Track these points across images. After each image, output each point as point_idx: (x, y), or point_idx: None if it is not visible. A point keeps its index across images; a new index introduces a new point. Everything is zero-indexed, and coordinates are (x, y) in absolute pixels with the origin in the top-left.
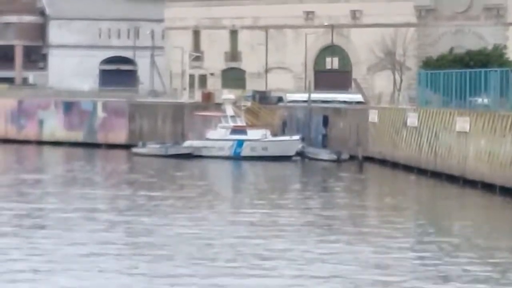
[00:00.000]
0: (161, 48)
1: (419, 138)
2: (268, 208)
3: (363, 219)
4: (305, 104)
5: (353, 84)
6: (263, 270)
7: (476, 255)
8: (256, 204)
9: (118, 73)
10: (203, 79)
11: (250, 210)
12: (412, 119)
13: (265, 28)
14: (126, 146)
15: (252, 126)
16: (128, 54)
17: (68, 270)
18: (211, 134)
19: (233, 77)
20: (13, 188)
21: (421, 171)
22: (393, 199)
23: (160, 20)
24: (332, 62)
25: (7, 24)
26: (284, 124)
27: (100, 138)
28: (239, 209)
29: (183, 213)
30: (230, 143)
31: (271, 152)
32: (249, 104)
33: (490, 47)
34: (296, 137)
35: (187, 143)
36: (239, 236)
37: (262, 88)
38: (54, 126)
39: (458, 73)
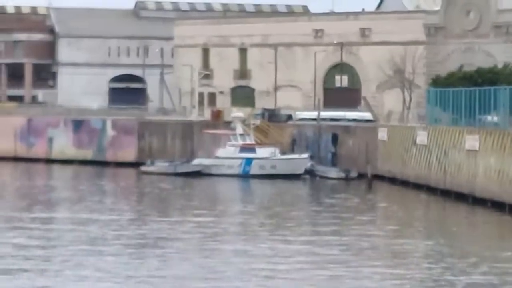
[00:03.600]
0: (170, 66)
1: (428, 156)
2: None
3: (373, 245)
4: (315, 122)
5: (362, 102)
6: None
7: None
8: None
9: (127, 91)
10: (212, 97)
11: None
12: (422, 137)
13: (274, 46)
14: (135, 164)
15: (261, 144)
16: (137, 72)
17: None
18: (220, 152)
19: (242, 95)
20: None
21: (430, 189)
22: (403, 220)
23: (170, 38)
24: (341, 80)
25: (17, 42)
26: (293, 142)
27: (109, 156)
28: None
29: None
30: (239, 161)
31: (280, 170)
32: (258, 122)
33: (499, 65)
34: (305, 155)
35: (196, 161)
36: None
37: (271, 106)
38: (64, 144)
39: (468, 91)
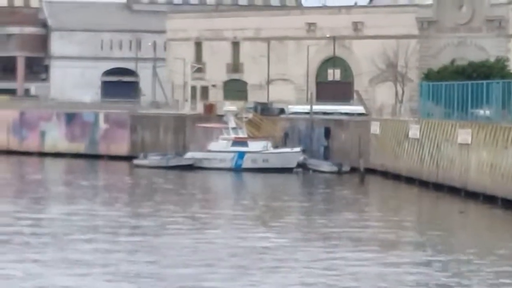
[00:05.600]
0: (163, 59)
1: (421, 150)
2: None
3: (364, 237)
4: (307, 116)
5: (354, 96)
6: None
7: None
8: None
9: (120, 84)
10: (205, 90)
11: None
12: (414, 131)
13: (267, 40)
14: (128, 158)
15: (254, 138)
16: (130, 65)
17: None
18: (213, 145)
19: (235, 88)
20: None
21: (422, 183)
22: (396, 214)
23: (162, 32)
24: (334, 74)
25: (9, 35)
26: (285, 135)
27: (102, 149)
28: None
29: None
30: (231, 155)
31: (272, 164)
32: (250, 115)
33: (491, 59)
34: (297, 149)
35: (189, 154)
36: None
37: (263, 99)
38: (56, 137)
39: (460, 85)
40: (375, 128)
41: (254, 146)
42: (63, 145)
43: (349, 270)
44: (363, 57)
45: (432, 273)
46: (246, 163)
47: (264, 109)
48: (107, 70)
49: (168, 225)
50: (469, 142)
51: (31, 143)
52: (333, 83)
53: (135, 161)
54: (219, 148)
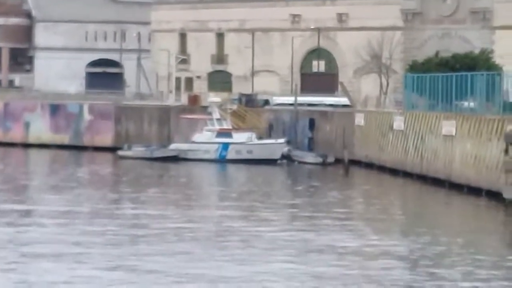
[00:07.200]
0: (147, 51)
1: (405, 142)
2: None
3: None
4: (292, 107)
5: (339, 87)
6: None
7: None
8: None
9: (104, 75)
10: (189, 82)
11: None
12: (399, 123)
13: (252, 31)
14: (112, 149)
15: (238, 129)
16: (114, 56)
17: None
18: (197, 137)
19: (220, 80)
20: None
21: (407, 175)
22: (380, 206)
23: (147, 23)
24: (318, 65)
25: None
26: (270, 127)
27: (86, 140)
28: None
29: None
30: (216, 146)
31: (256, 155)
32: (235, 107)
33: (476, 51)
34: (281, 140)
35: (173, 146)
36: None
37: (248, 91)
38: (40, 128)
39: (444, 76)
40: (359, 119)
41: (239, 137)
42: (48, 136)
43: (331, 270)
44: (348, 48)
45: (417, 264)
46: (231, 154)
47: (248, 101)
48: (92, 61)
49: (145, 220)
50: (454, 133)
51: (16, 134)
52: (318, 75)
53: (120, 152)
54: (204, 139)
